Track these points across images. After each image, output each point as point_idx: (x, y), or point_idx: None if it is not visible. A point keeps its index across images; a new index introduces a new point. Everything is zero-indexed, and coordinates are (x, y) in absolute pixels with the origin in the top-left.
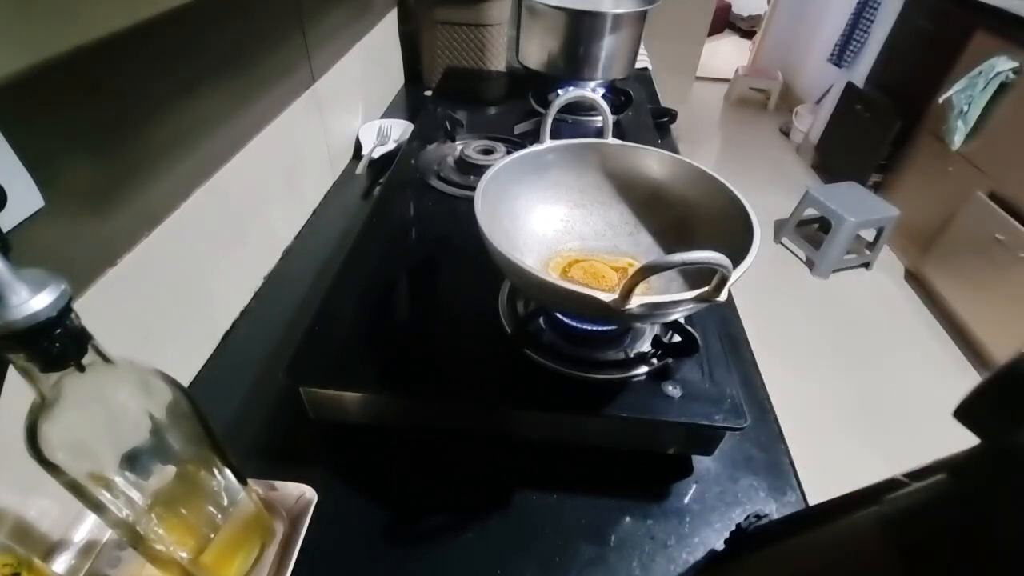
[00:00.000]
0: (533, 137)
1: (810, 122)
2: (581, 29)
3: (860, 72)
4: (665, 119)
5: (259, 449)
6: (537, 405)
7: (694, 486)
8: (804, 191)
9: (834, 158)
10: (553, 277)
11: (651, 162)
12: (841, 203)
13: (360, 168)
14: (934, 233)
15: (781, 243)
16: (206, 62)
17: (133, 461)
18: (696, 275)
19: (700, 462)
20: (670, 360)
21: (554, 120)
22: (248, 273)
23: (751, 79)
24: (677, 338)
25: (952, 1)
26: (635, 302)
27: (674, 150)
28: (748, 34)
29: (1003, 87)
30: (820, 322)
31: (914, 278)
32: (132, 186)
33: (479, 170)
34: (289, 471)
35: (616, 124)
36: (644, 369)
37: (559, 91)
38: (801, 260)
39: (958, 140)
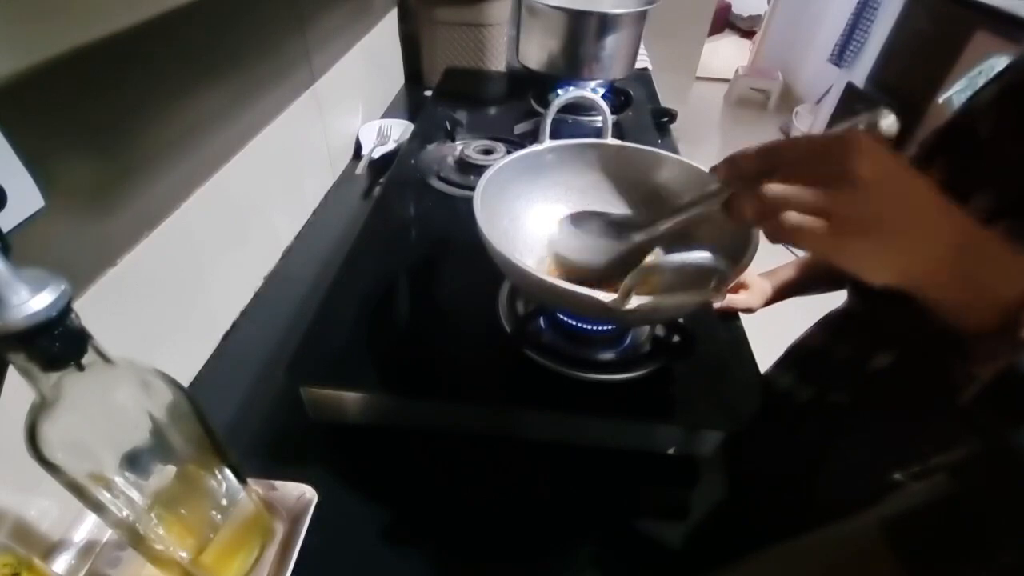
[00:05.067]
0: (533, 137)
1: (810, 122)
2: (581, 29)
3: (860, 72)
4: (665, 119)
5: (259, 449)
6: (537, 405)
7: (697, 484)
8: None
9: None
10: (553, 277)
11: (651, 162)
12: None
13: (360, 168)
14: None
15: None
16: (206, 62)
17: (133, 461)
18: (696, 276)
19: None
20: (670, 361)
21: (554, 120)
22: (248, 273)
23: (751, 79)
24: (677, 338)
25: (952, 1)
26: (635, 302)
27: (674, 150)
28: (748, 34)
29: None
30: None
31: None
32: (132, 186)
33: (479, 170)
34: (289, 471)
35: (616, 124)
36: (644, 370)
37: (559, 91)
38: None
39: None
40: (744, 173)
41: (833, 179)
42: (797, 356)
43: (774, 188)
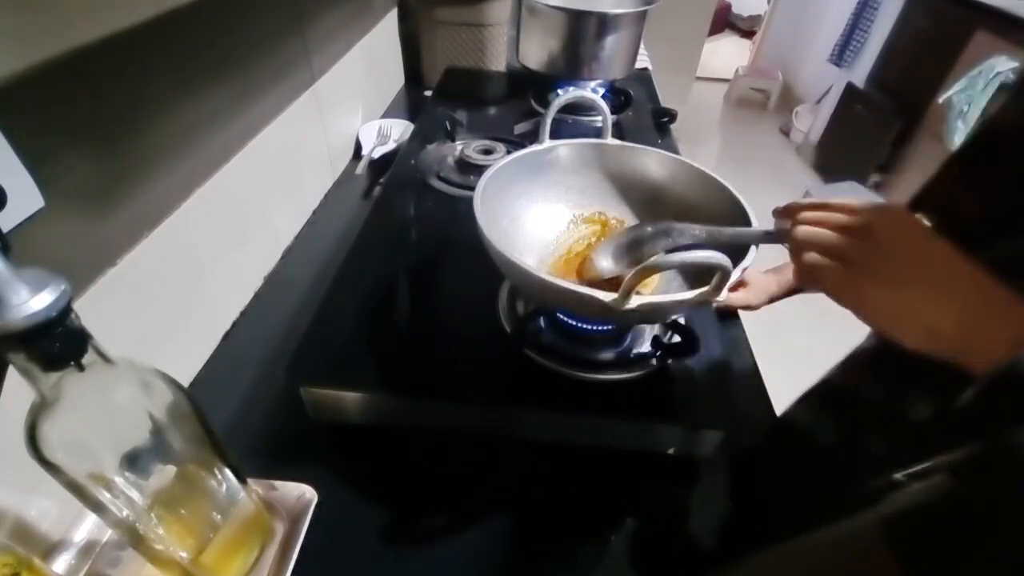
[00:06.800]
0: (533, 137)
1: (810, 122)
2: (581, 29)
3: (860, 72)
4: (665, 119)
5: (259, 449)
6: (537, 405)
7: (697, 484)
8: (804, 191)
9: (834, 158)
10: (553, 277)
11: (651, 162)
12: None
13: (360, 168)
14: None
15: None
16: (206, 62)
17: (133, 461)
18: (696, 275)
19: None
20: (669, 360)
21: (554, 120)
22: (248, 273)
23: (751, 79)
24: (677, 338)
25: (952, 1)
26: (635, 302)
27: (674, 150)
28: (748, 34)
29: (1003, 87)
30: (820, 321)
31: None
32: (132, 186)
33: (479, 170)
34: (289, 471)
35: (616, 124)
36: (644, 370)
37: (559, 91)
38: None
39: (958, 140)
40: (793, 217)
41: (855, 228)
42: (822, 396)
43: (803, 229)
